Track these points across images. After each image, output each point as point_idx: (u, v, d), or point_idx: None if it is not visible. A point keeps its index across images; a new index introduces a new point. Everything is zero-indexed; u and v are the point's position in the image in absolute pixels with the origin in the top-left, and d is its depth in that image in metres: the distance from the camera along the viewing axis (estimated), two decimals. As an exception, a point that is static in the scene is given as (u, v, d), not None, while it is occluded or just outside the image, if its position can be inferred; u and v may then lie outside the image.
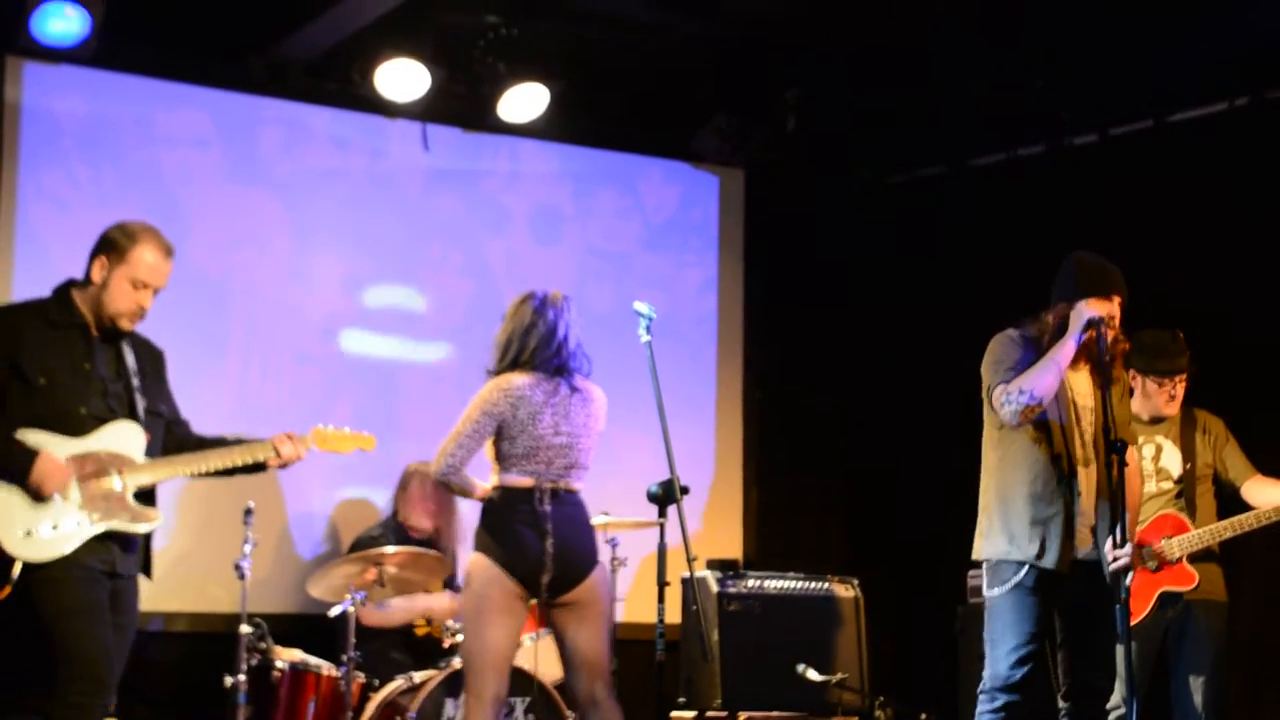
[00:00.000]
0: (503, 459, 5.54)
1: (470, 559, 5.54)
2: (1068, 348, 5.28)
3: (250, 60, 7.55)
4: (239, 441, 5.45)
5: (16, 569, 4.96)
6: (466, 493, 5.62)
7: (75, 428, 5.10)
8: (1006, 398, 5.27)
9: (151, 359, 5.40)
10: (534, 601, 5.57)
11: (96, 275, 5.19)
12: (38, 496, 5.00)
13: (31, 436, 5.03)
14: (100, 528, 5.09)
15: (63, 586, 5.00)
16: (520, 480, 5.51)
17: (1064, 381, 5.36)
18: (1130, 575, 5.22)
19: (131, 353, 5.29)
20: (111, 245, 5.20)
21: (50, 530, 5.01)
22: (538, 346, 5.55)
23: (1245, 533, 6.10)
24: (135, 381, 5.25)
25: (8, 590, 4.96)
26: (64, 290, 5.24)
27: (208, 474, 5.38)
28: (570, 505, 5.57)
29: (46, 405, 5.07)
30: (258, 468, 5.47)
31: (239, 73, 7.57)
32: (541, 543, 5.45)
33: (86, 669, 4.98)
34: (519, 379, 5.53)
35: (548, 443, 5.50)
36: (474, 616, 5.49)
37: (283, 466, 5.50)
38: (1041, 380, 5.24)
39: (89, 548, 5.06)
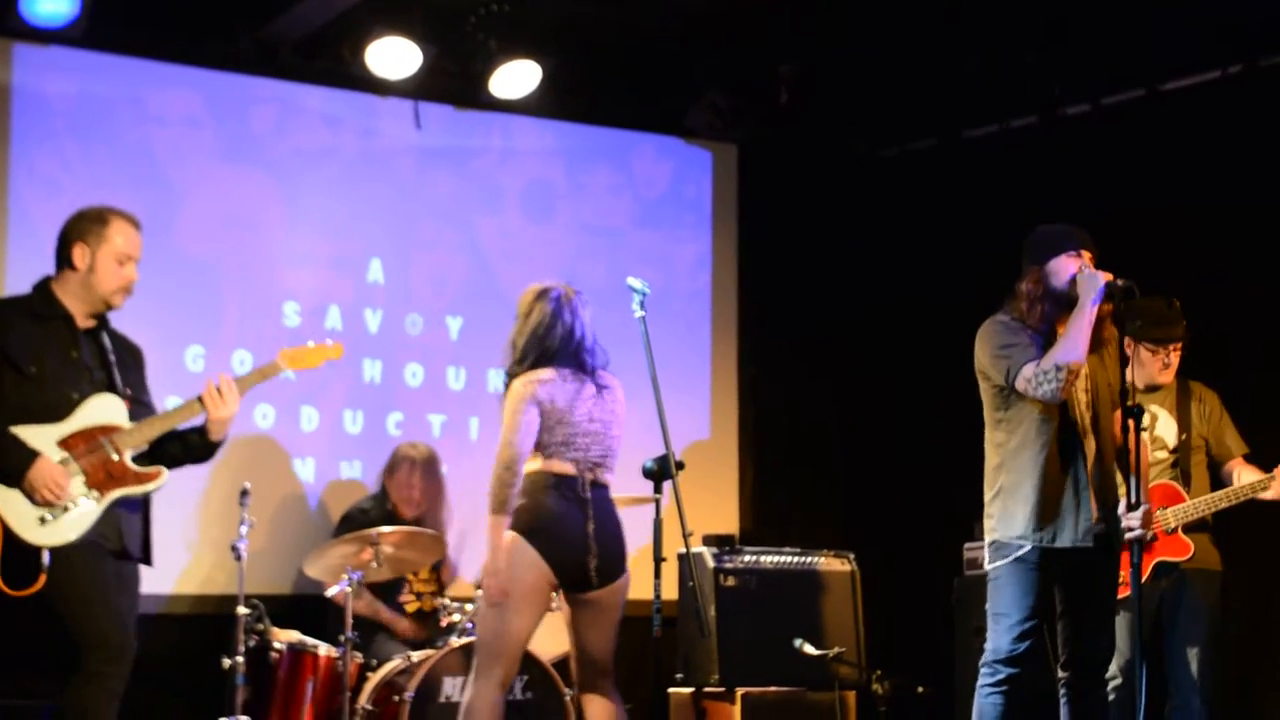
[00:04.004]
0: (543, 449, 5.47)
1: (507, 538, 5.38)
2: (1087, 315, 5.18)
3: (240, 40, 7.51)
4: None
5: (46, 556, 5.01)
6: (507, 502, 5.35)
7: (68, 414, 5.13)
8: (1043, 375, 5.17)
9: (131, 353, 5.44)
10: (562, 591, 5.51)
11: (80, 262, 5.21)
12: (32, 497, 5.03)
13: (24, 431, 5.05)
14: (110, 498, 5.13)
15: (73, 563, 5.04)
16: (563, 466, 5.46)
17: None
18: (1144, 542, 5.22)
19: (110, 345, 5.33)
20: (86, 231, 5.23)
21: (64, 513, 5.04)
22: (559, 346, 5.52)
23: (1240, 503, 6.10)
24: (114, 364, 5.27)
25: (43, 579, 4.99)
26: (44, 285, 5.29)
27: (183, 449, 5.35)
28: (606, 500, 5.55)
29: (40, 394, 5.10)
30: (204, 437, 5.33)
31: (229, 52, 7.54)
32: (585, 525, 5.42)
33: (104, 638, 5.04)
34: (546, 373, 5.49)
35: (584, 430, 5.47)
36: (500, 599, 5.39)
37: (219, 421, 5.31)
38: (1074, 351, 5.14)
39: (96, 524, 5.10)
